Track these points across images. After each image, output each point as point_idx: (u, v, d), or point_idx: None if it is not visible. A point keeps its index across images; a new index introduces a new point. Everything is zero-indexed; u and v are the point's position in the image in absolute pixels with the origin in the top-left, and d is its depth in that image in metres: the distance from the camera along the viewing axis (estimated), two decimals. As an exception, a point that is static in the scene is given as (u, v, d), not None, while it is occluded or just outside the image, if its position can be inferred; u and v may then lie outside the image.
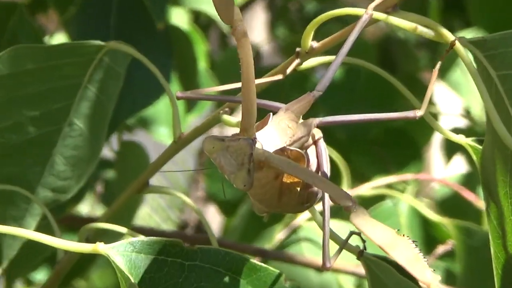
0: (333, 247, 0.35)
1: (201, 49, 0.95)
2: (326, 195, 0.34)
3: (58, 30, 0.89)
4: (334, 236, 0.37)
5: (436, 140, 1.33)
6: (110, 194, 0.96)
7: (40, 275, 1.04)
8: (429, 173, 1.66)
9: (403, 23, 0.34)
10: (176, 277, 0.31)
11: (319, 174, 0.33)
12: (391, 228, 0.26)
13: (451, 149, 1.15)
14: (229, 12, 0.27)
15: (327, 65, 0.38)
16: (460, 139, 0.37)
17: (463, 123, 1.21)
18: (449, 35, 0.33)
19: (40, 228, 0.48)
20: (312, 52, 0.37)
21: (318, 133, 0.34)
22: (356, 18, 0.34)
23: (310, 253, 0.74)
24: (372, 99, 1.04)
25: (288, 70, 0.37)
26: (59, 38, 0.91)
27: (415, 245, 0.26)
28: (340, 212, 0.64)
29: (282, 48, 1.45)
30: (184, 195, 0.44)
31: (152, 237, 0.32)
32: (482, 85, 0.32)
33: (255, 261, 0.32)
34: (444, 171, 1.42)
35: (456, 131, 0.38)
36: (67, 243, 0.32)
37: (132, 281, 0.31)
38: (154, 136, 0.94)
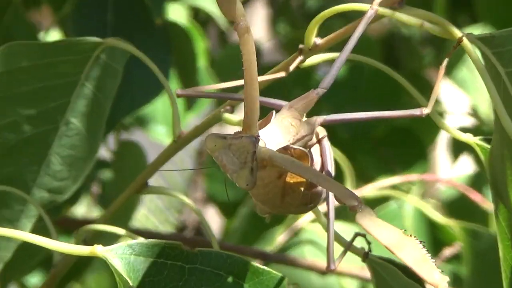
0: (336, 249, 0.35)
1: (201, 46, 0.95)
2: (331, 195, 0.34)
3: (53, 26, 0.89)
4: (338, 238, 0.37)
5: (442, 140, 1.33)
6: (107, 195, 0.96)
7: (35, 279, 1.04)
8: (435, 173, 1.66)
9: (409, 19, 0.34)
10: (176, 280, 0.31)
11: (323, 173, 0.33)
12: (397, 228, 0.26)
13: (457, 148, 1.15)
14: (232, 7, 0.27)
15: (329, 62, 0.38)
16: (468, 138, 0.37)
17: (470, 122, 1.21)
18: (456, 32, 0.33)
19: (35, 230, 0.48)
20: (316, 49, 0.37)
21: (322, 132, 0.34)
22: (360, 14, 0.34)
23: (312, 256, 0.74)
24: (376, 97, 1.04)
25: (291, 67, 0.37)
26: (54, 35, 0.91)
27: (423, 245, 0.26)
28: (344, 213, 0.65)
29: (283, 44, 1.45)
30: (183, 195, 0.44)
31: (151, 239, 0.32)
32: (491, 83, 0.32)
33: (257, 264, 0.32)
34: (450, 171, 1.42)
35: (463, 130, 0.38)
36: (64, 246, 0.33)
37: (131, 284, 0.31)
38: (151, 135, 0.94)
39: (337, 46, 0.37)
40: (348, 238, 0.38)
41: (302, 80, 1.02)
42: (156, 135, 0.92)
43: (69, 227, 0.82)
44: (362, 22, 0.33)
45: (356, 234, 0.38)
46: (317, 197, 0.34)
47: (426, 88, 1.04)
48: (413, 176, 0.84)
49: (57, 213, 0.68)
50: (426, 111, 0.33)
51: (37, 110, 0.46)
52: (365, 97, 1.04)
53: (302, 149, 0.32)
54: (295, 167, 0.29)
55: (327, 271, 0.34)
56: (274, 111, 0.33)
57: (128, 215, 0.81)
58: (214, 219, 1.40)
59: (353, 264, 0.68)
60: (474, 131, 0.80)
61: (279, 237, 0.76)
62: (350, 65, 1.03)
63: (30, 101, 0.46)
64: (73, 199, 0.80)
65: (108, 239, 0.60)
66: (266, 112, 0.33)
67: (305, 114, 0.33)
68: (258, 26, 1.58)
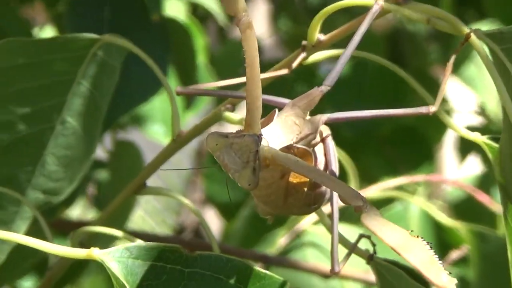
0: (340, 252, 0.35)
1: (200, 43, 0.95)
2: (335, 196, 0.34)
3: (47, 22, 0.89)
4: (342, 240, 0.37)
5: (449, 139, 1.34)
6: (102, 196, 0.96)
7: (28, 283, 1.04)
8: (442, 174, 1.66)
9: (415, 14, 0.34)
10: (175, 285, 0.31)
11: (327, 173, 0.34)
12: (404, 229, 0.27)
13: (465, 148, 1.15)
14: (233, 2, 0.27)
15: (332, 59, 0.38)
16: (475, 137, 0.37)
17: (477, 120, 1.21)
18: (463, 27, 0.33)
19: (30, 232, 0.48)
20: (319, 45, 0.37)
21: (326, 130, 0.34)
22: (364, 9, 0.34)
23: (314, 259, 0.74)
24: (380, 95, 1.04)
25: (294, 64, 0.37)
26: (49, 32, 0.91)
27: (430, 247, 0.26)
28: (347, 214, 0.65)
29: (284, 41, 1.45)
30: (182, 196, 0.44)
31: (149, 242, 0.32)
32: (499, 80, 0.32)
33: (259, 268, 0.32)
34: (457, 172, 1.42)
35: (471, 129, 0.38)
36: (60, 248, 0.33)
37: (128, 288, 0.31)
38: (148, 135, 0.94)
39: (340, 43, 0.37)
40: (351, 240, 0.38)
41: (304, 77, 1.02)
42: (154, 135, 0.92)
43: (65, 229, 0.82)
44: (367, 17, 0.34)
45: (361, 236, 0.38)
46: (321, 197, 0.34)
47: (432, 86, 1.04)
48: (419, 177, 0.84)
49: (52, 214, 0.68)
50: (433, 109, 0.33)
51: (32, 109, 0.46)
52: (369, 95, 1.04)
53: (306, 148, 0.32)
54: (299, 167, 0.29)
55: (331, 273, 0.34)
56: (276, 109, 0.33)
57: (124, 216, 0.81)
58: (213, 221, 1.40)
59: (357, 267, 0.68)
60: (482, 130, 0.80)
61: (281, 240, 0.75)
62: (353, 62, 1.03)
63: (25, 99, 0.46)
64: (69, 200, 0.80)
65: (105, 241, 0.60)
66: (268, 110, 0.33)
67: (308, 112, 0.33)
68: (258, 21, 1.58)
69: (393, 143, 1.07)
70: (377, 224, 0.26)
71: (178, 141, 0.41)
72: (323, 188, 0.34)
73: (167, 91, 0.42)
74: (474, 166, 1.23)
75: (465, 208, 0.99)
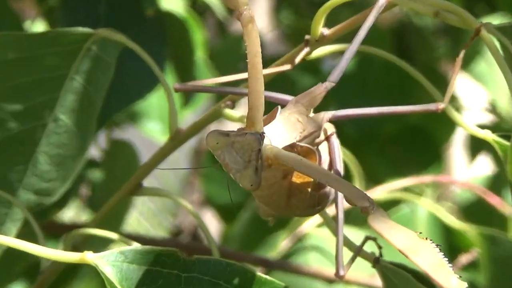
0: (345, 256, 0.35)
1: (199, 37, 0.95)
2: (340, 197, 0.34)
3: (38, 16, 0.89)
4: (347, 242, 0.37)
5: (458, 138, 1.34)
6: (96, 197, 0.96)
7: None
8: (450, 174, 1.67)
9: (423, 7, 0.34)
10: (172, 290, 0.31)
11: (332, 172, 0.34)
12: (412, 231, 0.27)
13: (475, 147, 1.15)
14: (234, -5, 0.27)
15: (336, 54, 0.38)
16: (486, 135, 0.37)
17: (488, 118, 1.21)
18: (473, 21, 0.33)
19: (21, 235, 0.48)
20: (323, 40, 0.37)
21: (330, 128, 0.34)
22: (370, 2, 0.34)
23: (317, 263, 0.74)
24: (386, 91, 1.04)
25: (297, 60, 0.37)
26: (40, 26, 0.91)
27: (439, 249, 0.26)
28: (352, 216, 0.65)
29: (287, 35, 1.45)
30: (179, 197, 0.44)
31: (145, 245, 0.32)
32: (510, 75, 0.32)
33: (259, 273, 0.32)
34: (467, 172, 1.42)
35: (481, 127, 0.38)
36: (52, 252, 0.33)
37: (123, 293, 0.31)
38: (144, 132, 0.94)
39: (344, 37, 0.37)
40: (356, 243, 0.38)
41: (307, 73, 1.02)
42: (150, 132, 0.92)
43: (57, 232, 0.82)
44: (373, 11, 0.34)
45: (367, 238, 0.38)
46: (325, 198, 0.34)
47: (440, 82, 1.04)
48: (426, 178, 0.84)
49: (44, 216, 0.68)
50: (442, 106, 0.33)
51: (23, 106, 0.46)
52: (374, 92, 1.04)
53: (310, 147, 0.32)
54: (302, 166, 0.29)
55: (336, 277, 0.34)
56: (279, 107, 0.33)
57: (120, 218, 0.81)
58: (211, 223, 1.40)
59: (362, 271, 0.68)
60: (493, 128, 0.80)
61: (283, 243, 0.76)
62: (359, 57, 1.03)
63: (17, 96, 0.46)
64: (62, 202, 0.80)
65: (99, 244, 0.60)
66: (270, 108, 0.33)
67: (312, 110, 0.33)
68: (259, 15, 1.58)
69: (399, 142, 1.07)
70: (385, 226, 0.26)
71: (176, 140, 0.41)
72: (328, 188, 0.34)
73: (164, 87, 0.42)
74: (484, 166, 1.23)
75: (475, 210, 0.99)
